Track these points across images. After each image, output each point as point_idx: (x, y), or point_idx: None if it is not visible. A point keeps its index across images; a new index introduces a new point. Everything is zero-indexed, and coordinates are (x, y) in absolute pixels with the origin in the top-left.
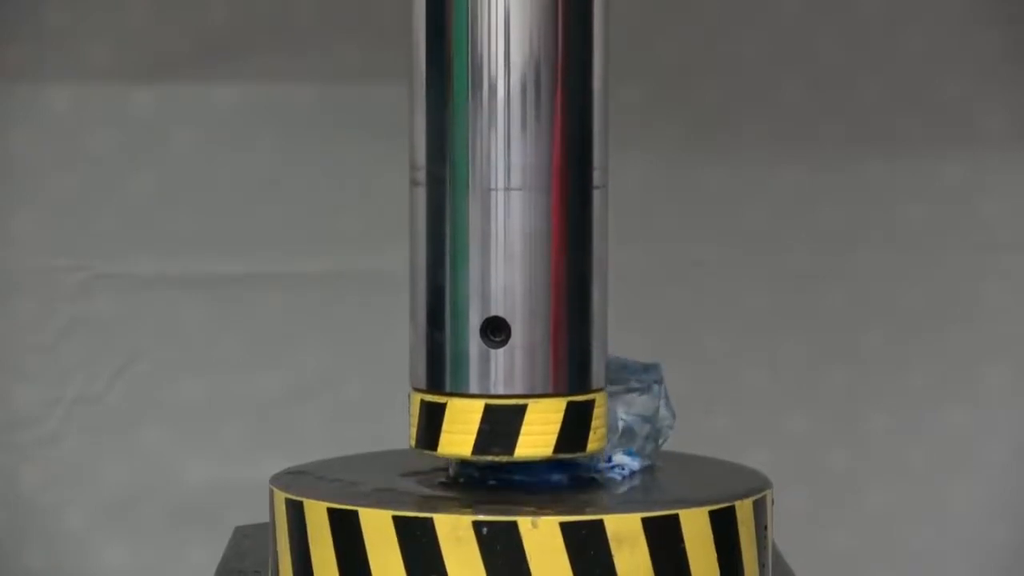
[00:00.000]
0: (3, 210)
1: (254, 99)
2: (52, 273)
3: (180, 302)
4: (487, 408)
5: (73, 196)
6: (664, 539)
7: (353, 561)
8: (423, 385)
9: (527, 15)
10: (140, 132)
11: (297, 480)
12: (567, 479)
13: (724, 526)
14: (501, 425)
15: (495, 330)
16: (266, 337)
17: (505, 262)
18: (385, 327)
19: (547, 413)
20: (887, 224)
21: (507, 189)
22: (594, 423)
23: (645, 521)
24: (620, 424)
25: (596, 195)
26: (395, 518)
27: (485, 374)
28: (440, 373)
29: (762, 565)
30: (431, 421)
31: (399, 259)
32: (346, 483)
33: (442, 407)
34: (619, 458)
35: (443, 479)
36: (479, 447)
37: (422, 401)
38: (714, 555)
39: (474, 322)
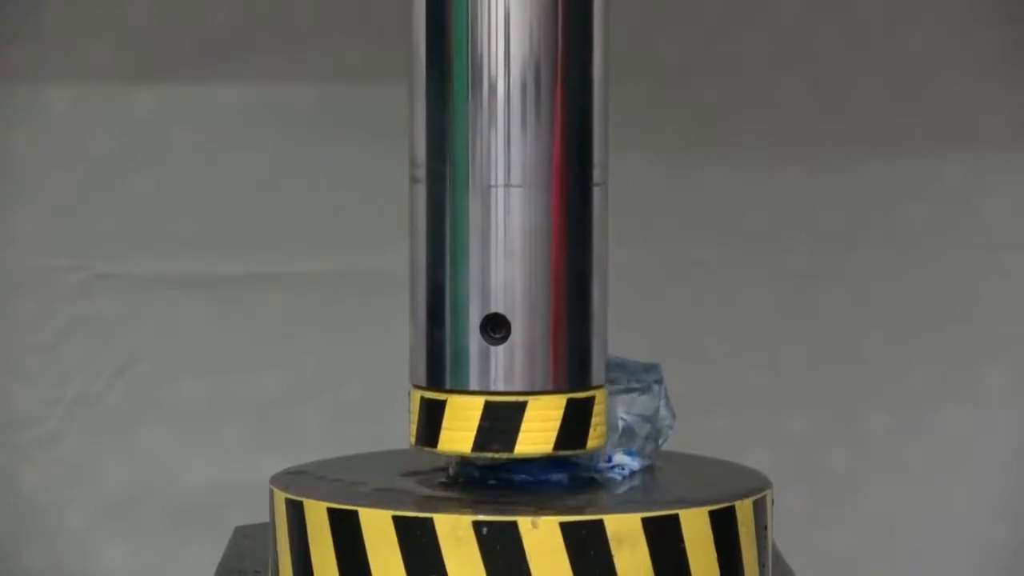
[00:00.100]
0: (3, 210)
1: (254, 99)
2: (52, 273)
3: (180, 302)
4: (487, 405)
5: (73, 196)
6: (664, 539)
7: (353, 561)
8: (423, 382)
9: (527, 11)
10: (140, 132)
11: (297, 480)
12: (567, 479)
13: (724, 526)
14: (501, 422)
15: (495, 327)
16: (266, 337)
17: (505, 259)
18: (385, 327)
19: (547, 410)
20: (887, 224)
21: (507, 186)
22: (594, 420)
23: (645, 521)
24: (620, 424)
25: (596, 192)
26: (395, 518)
27: (485, 371)
28: (440, 370)
29: (762, 565)
30: (431, 418)
31: (399, 259)
32: (346, 483)
33: (442, 404)
34: (619, 458)
35: (443, 479)
36: (479, 444)
37: (422, 398)
38: (714, 555)
39: (474, 319)
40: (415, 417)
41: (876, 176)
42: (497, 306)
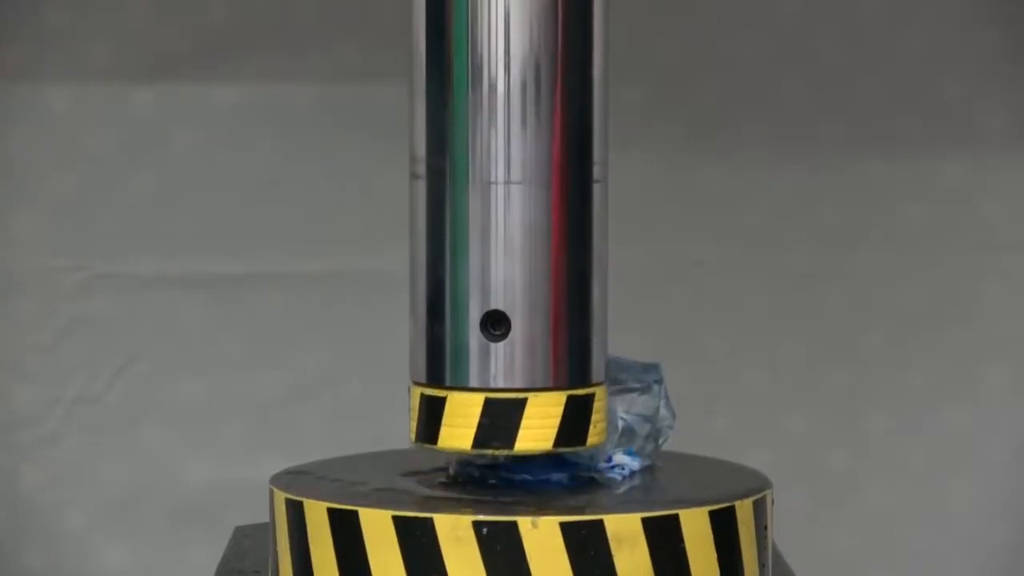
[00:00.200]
0: (3, 210)
1: (254, 99)
2: (52, 273)
3: (180, 302)
4: (487, 402)
5: (73, 196)
6: (664, 539)
7: (353, 561)
8: (423, 379)
9: (527, 10)
10: (140, 132)
11: (297, 480)
12: (567, 479)
13: (724, 526)
14: (501, 419)
15: (495, 324)
16: (266, 337)
17: (505, 256)
18: (385, 327)
19: (547, 407)
20: (887, 224)
21: (507, 183)
22: (594, 417)
23: (645, 521)
24: (620, 424)
25: (596, 189)
26: (395, 518)
27: (485, 368)
28: (440, 367)
29: (762, 565)
30: (431, 415)
31: (399, 259)
32: (346, 483)
33: (442, 401)
34: (619, 458)
35: (443, 479)
36: (479, 441)
37: (422, 395)
38: (714, 555)
39: (474, 316)
40: (415, 414)
41: (876, 176)
42: (497, 303)
